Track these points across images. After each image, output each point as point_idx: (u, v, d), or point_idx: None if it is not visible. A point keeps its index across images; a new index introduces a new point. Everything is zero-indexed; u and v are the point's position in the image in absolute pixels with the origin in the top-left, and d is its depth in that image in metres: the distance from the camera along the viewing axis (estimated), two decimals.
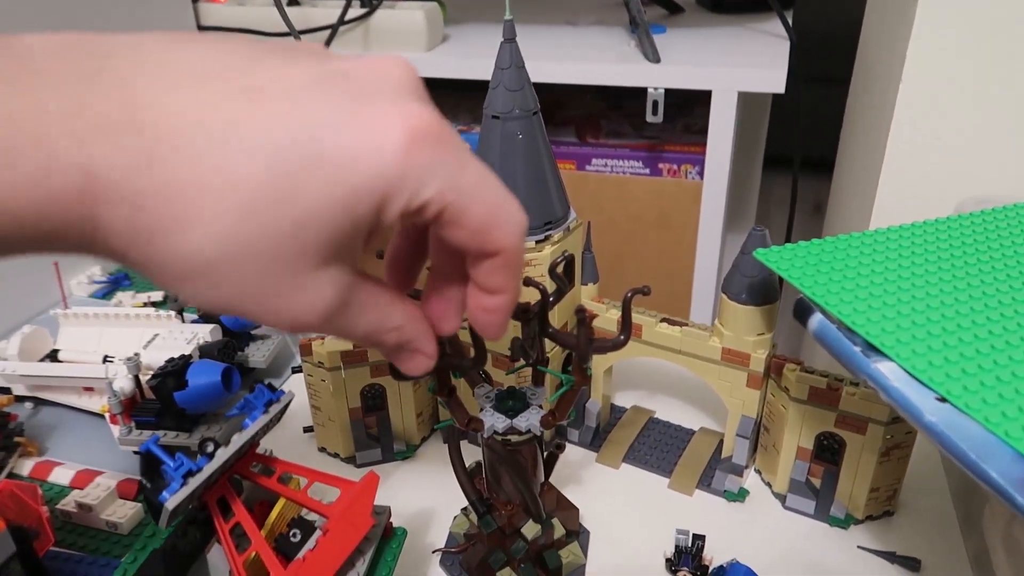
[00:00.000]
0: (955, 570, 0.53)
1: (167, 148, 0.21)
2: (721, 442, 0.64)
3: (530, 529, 0.51)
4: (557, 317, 0.60)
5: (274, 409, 0.43)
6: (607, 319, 0.62)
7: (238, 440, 0.41)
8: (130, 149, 0.21)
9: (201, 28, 1.13)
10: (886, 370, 0.40)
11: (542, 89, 0.61)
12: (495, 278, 0.29)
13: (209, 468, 0.40)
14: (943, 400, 0.37)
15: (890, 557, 0.54)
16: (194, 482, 0.39)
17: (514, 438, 0.47)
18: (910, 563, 0.53)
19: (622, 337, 0.44)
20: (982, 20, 0.67)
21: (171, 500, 0.38)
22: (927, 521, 0.57)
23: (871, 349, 0.41)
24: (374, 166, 0.23)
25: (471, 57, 1.03)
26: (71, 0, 0.88)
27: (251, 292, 0.23)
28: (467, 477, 0.51)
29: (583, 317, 0.43)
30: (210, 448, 0.40)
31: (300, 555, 0.42)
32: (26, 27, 0.86)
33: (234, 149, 0.22)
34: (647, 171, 1.07)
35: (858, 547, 0.55)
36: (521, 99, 0.56)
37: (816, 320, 0.45)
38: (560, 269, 0.53)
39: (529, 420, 0.46)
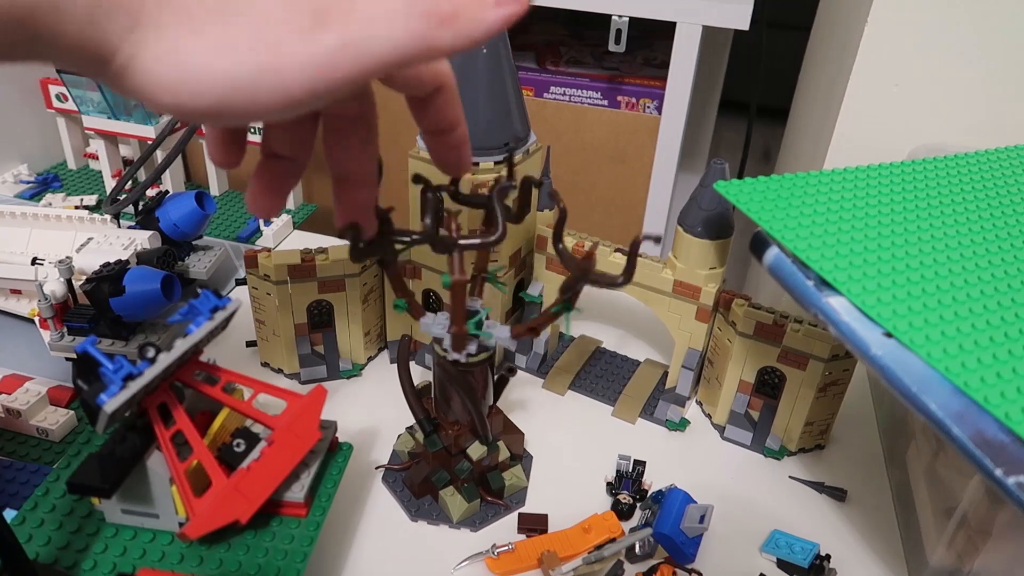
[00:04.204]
0: (879, 501, 0.56)
1: None
2: (666, 374, 0.65)
3: (475, 450, 0.51)
4: (509, 244, 0.60)
5: (220, 316, 0.42)
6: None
7: (182, 345, 0.40)
8: None
9: None
10: (837, 305, 0.41)
11: None
12: (453, 110, 0.33)
13: (151, 372, 0.38)
14: (889, 336, 0.38)
15: (818, 487, 0.56)
16: (134, 386, 0.37)
17: (467, 359, 0.47)
18: (837, 493, 0.55)
19: (621, 279, 0.42)
20: None
21: (110, 403, 0.36)
22: (855, 455, 0.59)
23: (823, 284, 0.42)
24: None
25: None
26: None
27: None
28: (415, 395, 0.51)
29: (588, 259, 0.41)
30: (151, 353, 0.39)
31: (244, 465, 0.41)
32: None
33: None
34: (605, 103, 1.06)
35: (790, 477, 0.57)
36: None
37: (772, 254, 0.46)
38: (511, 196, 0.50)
39: (497, 333, 0.45)
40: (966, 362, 0.36)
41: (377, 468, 0.55)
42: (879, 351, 0.38)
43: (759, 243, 0.46)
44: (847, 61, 0.77)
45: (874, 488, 0.57)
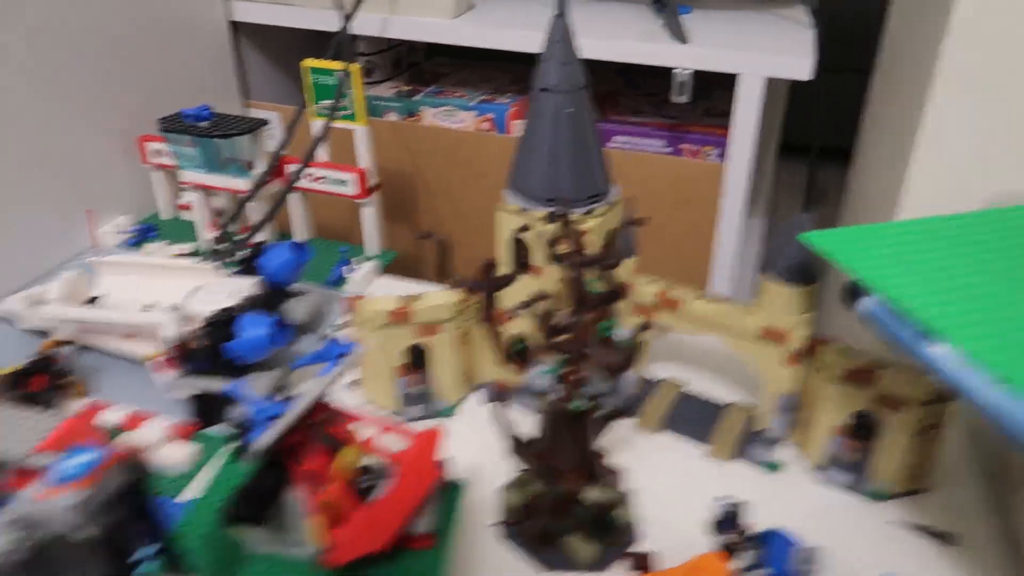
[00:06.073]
0: (987, 545, 0.55)
1: None
2: (755, 416, 0.66)
3: (593, 494, 0.52)
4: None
5: (345, 362, 0.45)
6: (643, 292, 0.63)
7: (319, 388, 0.43)
8: None
9: (233, 24, 1.13)
10: (942, 352, 0.42)
11: None
12: None
13: (292, 413, 0.41)
14: (1002, 382, 0.39)
15: (923, 531, 0.55)
16: (280, 424, 0.40)
17: (584, 404, 0.49)
18: (943, 538, 0.55)
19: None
20: (1021, 16, 0.68)
21: (259, 441, 0.39)
22: (960, 498, 0.59)
23: (926, 332, 0.43)
24: None
25: (496, 26, 1.02)
26: None
27: None
28: (527, 449, 0.52)
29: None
30: (291, 395, 0.42)
31: (374, 497, 0.44)
32: (60, 18, 0.84)
33: None
34: (669, 150, 1.09)
35: (891, 521, 0.57)
36: (571, 73, 0.57)
37: (867, 303, 0.47)
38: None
39: (597, 383, 0.48)
40: None
41: (491, 525, 0.56)
42: (991, 398, 0.39)
43: (851, 293, 0.48)
44: (916, 108, 0.78)
45: (982, 532, 0.56)
